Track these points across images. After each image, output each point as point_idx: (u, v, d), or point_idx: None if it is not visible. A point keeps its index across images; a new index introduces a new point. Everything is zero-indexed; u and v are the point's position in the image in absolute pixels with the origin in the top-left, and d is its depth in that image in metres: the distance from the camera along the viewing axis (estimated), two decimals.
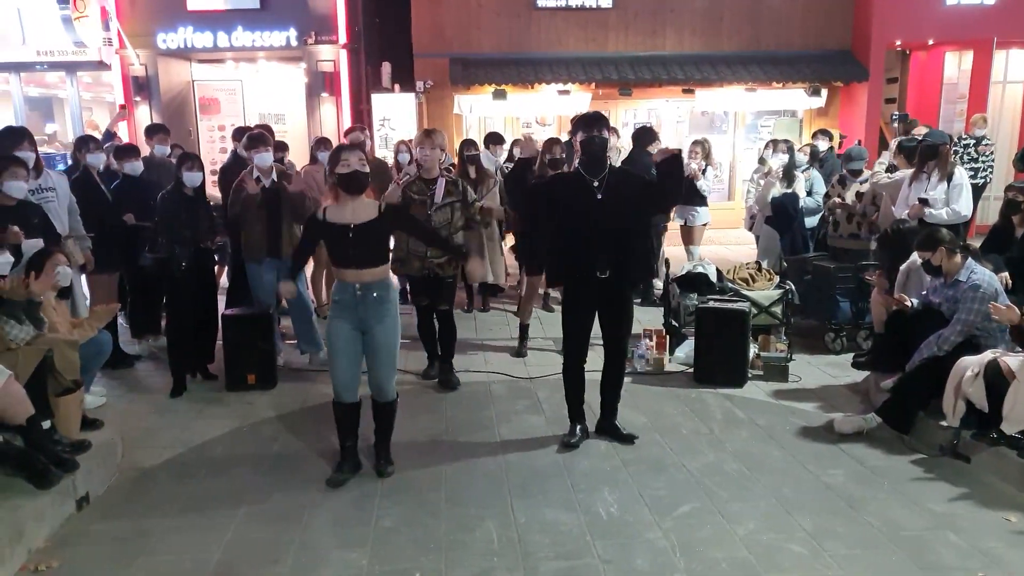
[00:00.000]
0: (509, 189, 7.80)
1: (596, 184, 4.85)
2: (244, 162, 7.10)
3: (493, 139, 9.71)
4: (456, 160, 7.89)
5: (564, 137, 9.77)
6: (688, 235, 9.45)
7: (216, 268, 7.59)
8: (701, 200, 9.18)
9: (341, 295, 4.55)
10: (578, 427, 5.27)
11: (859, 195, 7.91)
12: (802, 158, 9.08)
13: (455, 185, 6.13)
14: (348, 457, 4.80)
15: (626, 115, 14.88)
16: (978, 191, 10.62)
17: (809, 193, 8.68)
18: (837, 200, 8.04)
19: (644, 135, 8.85)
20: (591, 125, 4.88)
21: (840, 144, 11.67)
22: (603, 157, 4.90)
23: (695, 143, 9.33)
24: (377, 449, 4.88)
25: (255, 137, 6.54)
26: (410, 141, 9.68)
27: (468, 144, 7.94)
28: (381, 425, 4.85)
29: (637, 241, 5.01)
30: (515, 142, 9.66)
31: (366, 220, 4.49)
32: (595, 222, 4.83)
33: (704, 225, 9.48)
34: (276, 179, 6.49)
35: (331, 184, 4.54)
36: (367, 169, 4.53)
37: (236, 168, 7.22)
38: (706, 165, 9.17)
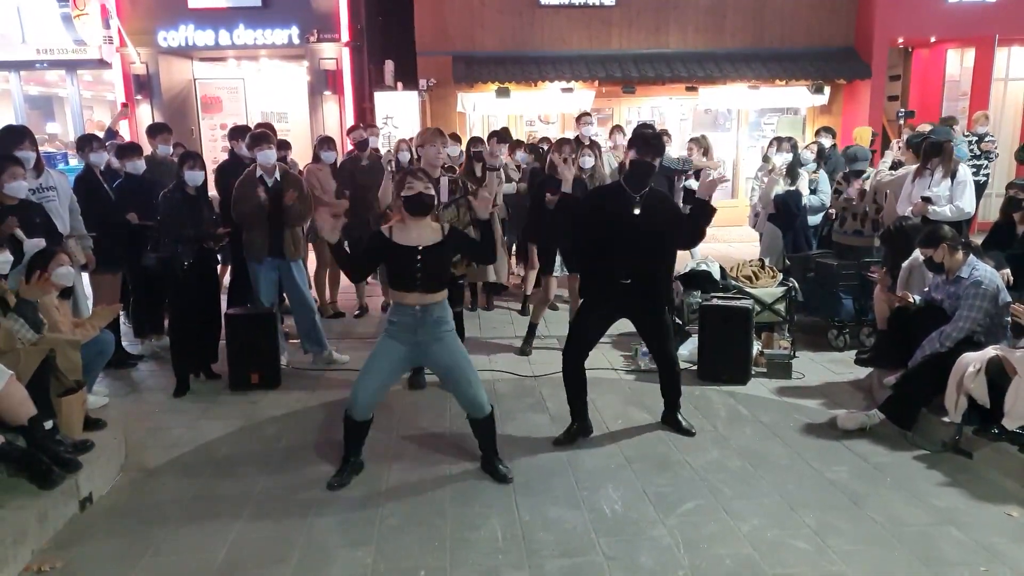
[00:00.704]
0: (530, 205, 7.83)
1: (637, 200, 4.98)
2: (242, 161, 7.14)
3: (499, 136, 9.71)
4: (464, 158, 7.93)
5: (570, 134, 9.84)
6: None
7: (219, 267, 7.60)
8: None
9: (400, 317, 4.51)
10: (575, 425, 5.30)
11: (861, 192, 7.92)
12: (808, 156, 9.05)
13: (457, 184, 6.16)
14: (350, 464, 4.76)
15: (629, 113, 14.90)
16: (980, 188, 10.63)
17: (813, 191, 8.68)
18: (845, 197, 8.04)
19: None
20: (645, 150, 5.00)
21: (872, 141, 11.59)
22: (647, 180, 5.03)
23: (692, 140, 9.35)
24: (487, 457, 4.78)
25: (258, 136, 6.55)
26: (411, 140, 9.69)
27: (476, 142, 8.00)
28: (485, 440, 4.77)
29: (662, 263, 5.17)
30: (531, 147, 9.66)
31: (432, 243, 4.47)
32: (629, 233, 4.97)
33: None
34: (279, 179, 6.50)
35: (397, 207, 4.56)
36: (432, 192, 4.53)
37: (234, 168, 7.24)
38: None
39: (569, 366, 5.27)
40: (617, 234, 5.00)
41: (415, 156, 9.06)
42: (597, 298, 5.18)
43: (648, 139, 5.05)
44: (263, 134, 6.56)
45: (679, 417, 5.47)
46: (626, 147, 5.34)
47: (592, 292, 5.20)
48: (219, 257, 6.89)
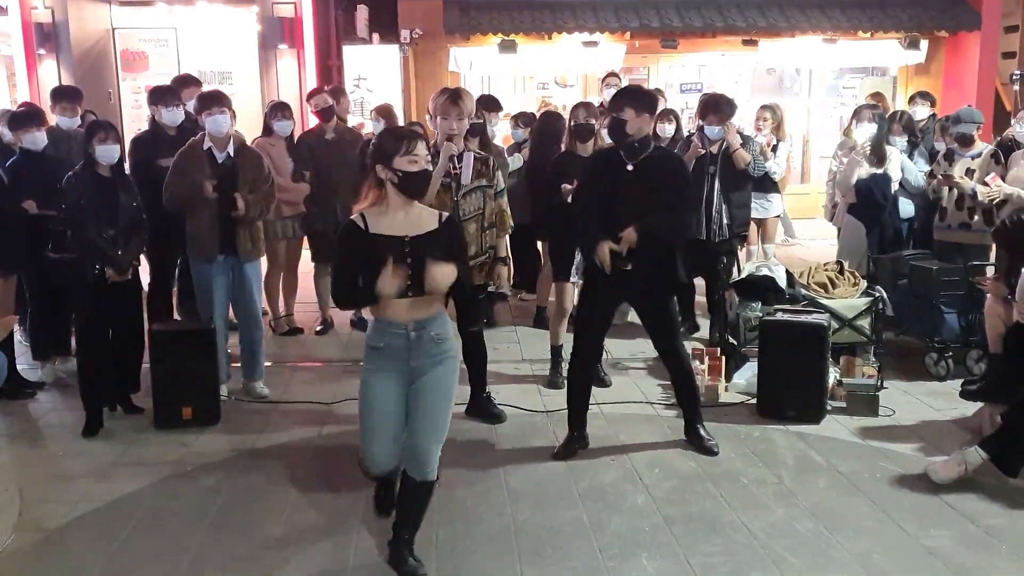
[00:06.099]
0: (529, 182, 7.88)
1: (631, 167, 5.48)
2: (164, 134, 7.24)
3: (489, 104, 9.63)
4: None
5: (595, 99, 9.82)
6: (762, 230, 9.49)
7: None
8: (772, 185, 9.19)
9: (387, 340, 4.24)
10: (575, 435, 5.81)
11: (969, 172, 7.88)
12: (896, 139, 8.78)
13: (485, 164, 6.07)
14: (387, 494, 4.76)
15: (670, 73, 14.88)
16: None
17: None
18: (942, 178, 7.99)
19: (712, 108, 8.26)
20: (615, 104, 5.50)
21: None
22: (623, 138, 5.47)
23: (764, 108, 9.31)
24: (398, 541, 4.38)
25: (208, 96, 6.57)
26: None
27: None
28: (410, 510, 4.39)
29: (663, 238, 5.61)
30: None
31: (425, 231, 4.22)
32: (620, 204, 5.48)
33: (778, 217, 9.51)
34: (232, 154, 6.49)
35: (378, 181, 4.21)
36: (431, 167, 4.44)
37: (154, 143, 7.22)
38: (777, 140, 9.15)
39: (576, 368, 5.82)
40: (609, 206, 5.51)
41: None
42: (599, 283, 5.68)
43: (624, 92, 5.71)
44: (214, 94, 6.59)
45: (701, 430, 5.87)
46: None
47: (592, 279, 5.76)
48: (142, 258, 6.88)
